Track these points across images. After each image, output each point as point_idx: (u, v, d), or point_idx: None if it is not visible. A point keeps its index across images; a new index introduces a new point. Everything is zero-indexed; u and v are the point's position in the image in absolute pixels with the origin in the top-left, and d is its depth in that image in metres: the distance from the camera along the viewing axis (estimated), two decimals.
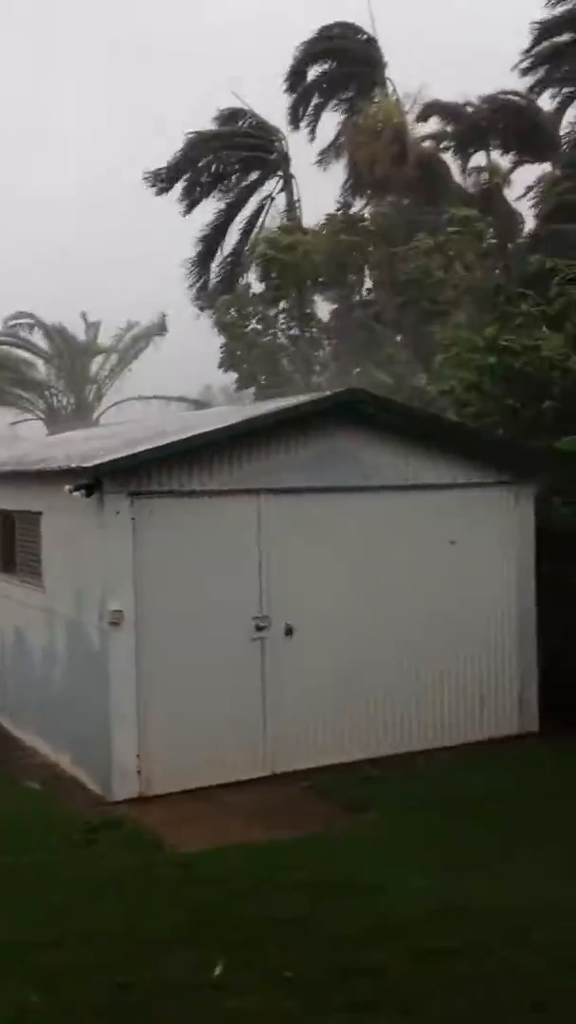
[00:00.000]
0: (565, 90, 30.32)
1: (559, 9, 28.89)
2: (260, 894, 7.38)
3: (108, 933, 6.70)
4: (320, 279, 27.70)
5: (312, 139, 31.29)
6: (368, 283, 28.86)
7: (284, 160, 31.60)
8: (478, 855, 8.18)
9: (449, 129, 31.29)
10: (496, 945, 6.51)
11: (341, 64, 31.19)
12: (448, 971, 6.10)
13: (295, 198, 31.34)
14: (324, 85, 31.34)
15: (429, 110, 30.98)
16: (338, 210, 29.16)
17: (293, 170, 31.53)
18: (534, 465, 12.26)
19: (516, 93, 30.60)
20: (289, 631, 10.60)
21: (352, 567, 11.05)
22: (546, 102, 30.89)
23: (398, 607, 11.25)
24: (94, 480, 9.82)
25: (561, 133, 30.19)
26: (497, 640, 11.86)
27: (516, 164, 31.18)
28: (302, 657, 10.67)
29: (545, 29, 29.46)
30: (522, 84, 30.26)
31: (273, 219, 31.44)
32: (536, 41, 29.58)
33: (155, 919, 6.93)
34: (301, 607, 10.71)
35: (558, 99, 30.52)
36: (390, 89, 31.49)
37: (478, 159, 31.75)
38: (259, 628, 10.55)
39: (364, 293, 28.90)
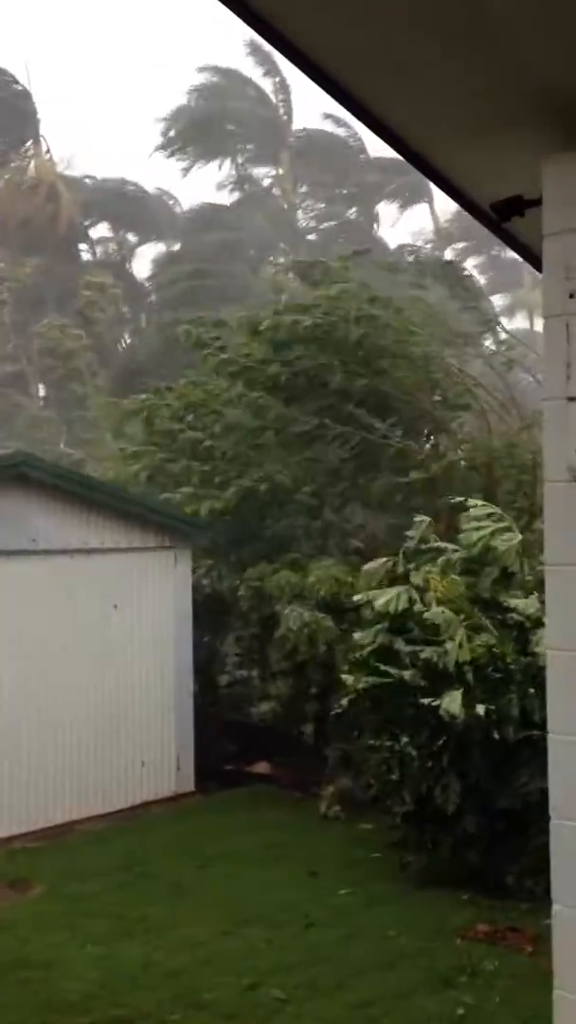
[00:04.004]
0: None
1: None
2: None
3: None
4: None
5: None
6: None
7: None
8: (144, 919, 8.35)
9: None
10: (170, 1008, 6.73)
11: None
12: None
13: None
14: None
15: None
16: None
17: None
18: (191, 530, 12.81)
19: (127, 180, 33.40)
20: None
21: (13, 632, 10.87)
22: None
23: (59, 673, 11.20)
24: None
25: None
26: (157, 704, 12.16)
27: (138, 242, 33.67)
28: None
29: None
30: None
31: None
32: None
33: None
34: None
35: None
36: (44, 147, 31.98)
37: (101, 230, 33.72)
38: None
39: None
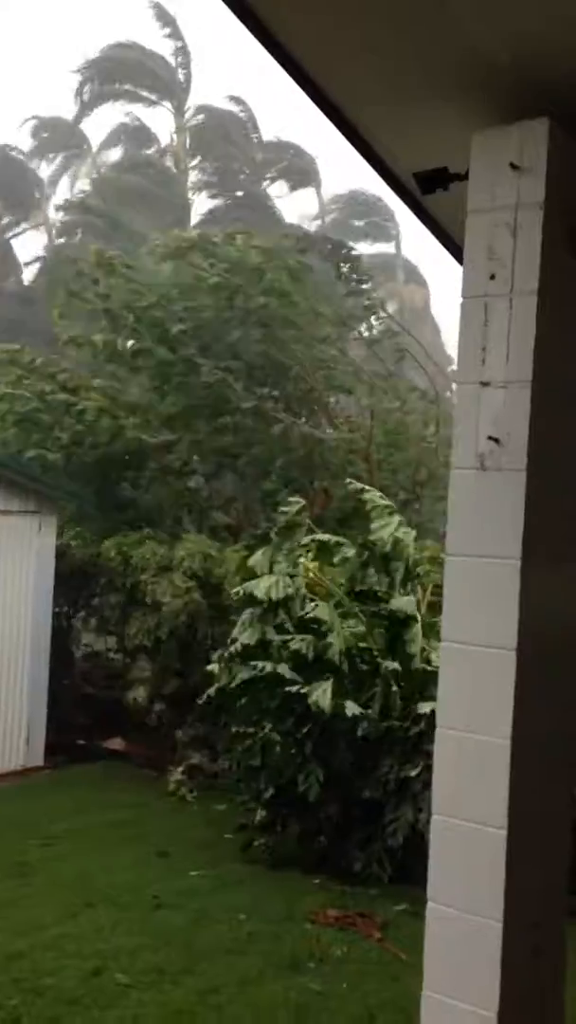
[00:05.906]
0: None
1: None
2: None
3: None
4: None
5: None
6: None
7: None
8: None
9: None
10: (8, 993, 6.45)
11: None
12: None
13: None
14: None
15: None
16: None
17: None
18: (59, 495, 12.38)
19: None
20: None
21: None
22: None
23: None
24: None
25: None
26: (9, 673, 11.73)
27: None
28: None
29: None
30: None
31: None
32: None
33: None
34: None
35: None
36: None
37: None
38: None
39: None
